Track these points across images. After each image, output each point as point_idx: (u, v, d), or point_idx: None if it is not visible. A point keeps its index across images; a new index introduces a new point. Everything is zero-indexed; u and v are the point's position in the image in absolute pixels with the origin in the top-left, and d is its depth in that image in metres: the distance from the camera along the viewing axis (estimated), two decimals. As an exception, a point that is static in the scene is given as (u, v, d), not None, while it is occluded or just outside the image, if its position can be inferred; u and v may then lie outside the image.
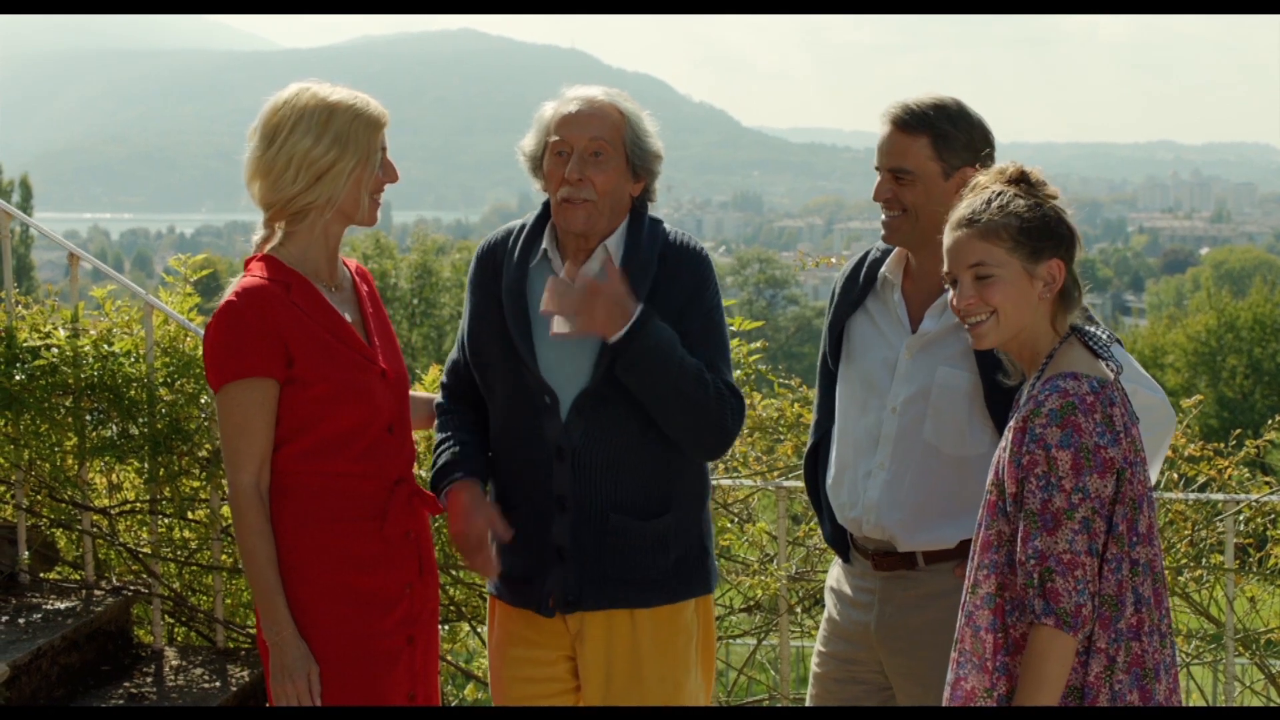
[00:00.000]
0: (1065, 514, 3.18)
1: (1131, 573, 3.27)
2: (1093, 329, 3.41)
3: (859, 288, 4.20)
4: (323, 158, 3.71)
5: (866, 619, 4.15)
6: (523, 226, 4.15)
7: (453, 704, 6.33)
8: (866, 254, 4.26)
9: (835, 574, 4.35)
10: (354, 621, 3.73)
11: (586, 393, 3.93)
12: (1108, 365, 3.35)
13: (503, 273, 4.09)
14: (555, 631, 4.08)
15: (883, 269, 4.14)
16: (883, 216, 4.00)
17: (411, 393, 4.09)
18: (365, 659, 3.75)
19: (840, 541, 4.24)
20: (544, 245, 4.06)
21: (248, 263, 3.86)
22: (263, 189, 3.76)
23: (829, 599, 4.35)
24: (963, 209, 3.42)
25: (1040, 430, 3.21)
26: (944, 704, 3.48)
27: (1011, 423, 3.38)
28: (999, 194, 3.39)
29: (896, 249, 4.12)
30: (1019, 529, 3.24)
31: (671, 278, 4.01)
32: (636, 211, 4.06)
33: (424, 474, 4.76)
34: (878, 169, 4.00)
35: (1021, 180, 3.42)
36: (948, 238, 3.44)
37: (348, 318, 3.85)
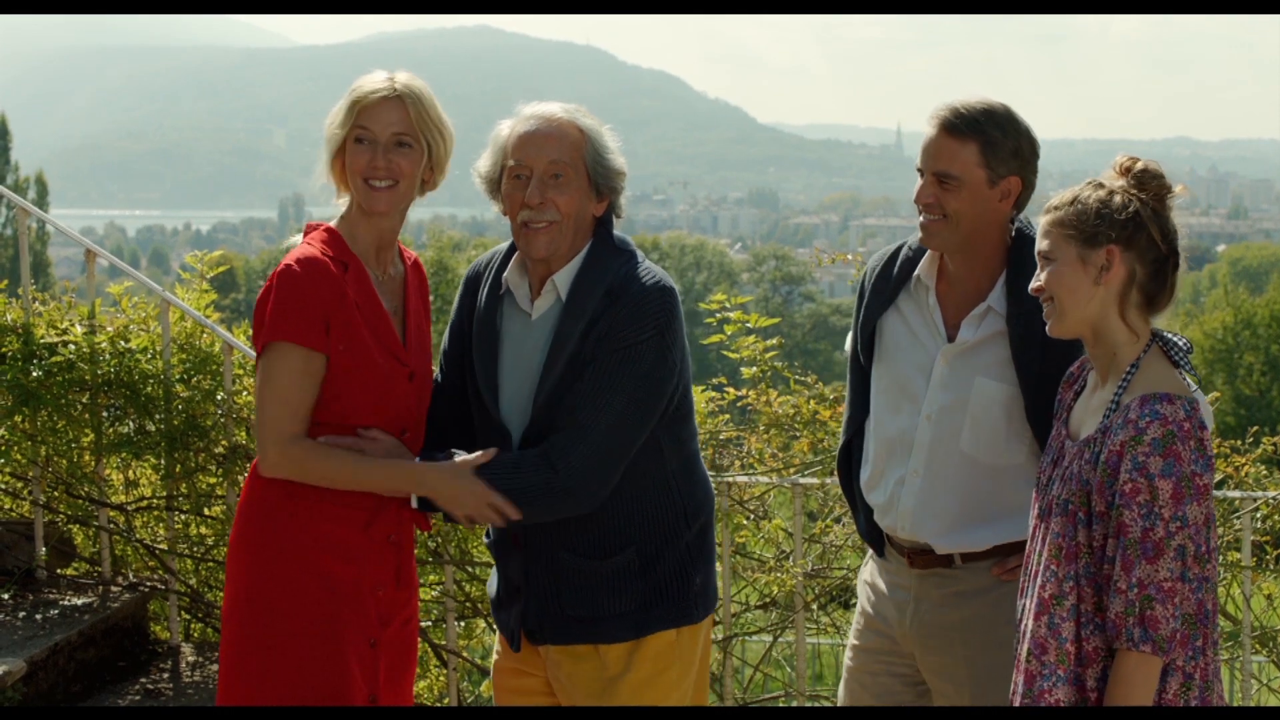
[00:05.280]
0: (1165, 543, 3.20)
1: (1205, 591, 3.31)
2: (1172, 335, 3.42)
3: (891, 285, 4.14)
4: (328, 126, 3.82)
5: (902, 615, 4.15)
6: (500, 253, 4.05)
7: (468, 700, 6.34)
8: (899, 250, 4.19)
9: (870, 568, 4.34)
10: (324, 605, 3.74)
11: (527, 432, 3.83)
12: (1185, 375, 3.36)
13: (476, 299, 4.02)
14: (532, 657, 4.02)
15: (918, 270, 4.08)
16: (921, 219, 3.93)
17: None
18: (330, 644, 3.74)
19: (875, 536, 4.23)
20: (505, 276, 3.94)
21: (309, 228, 3.88)
22: None
23: (863, 592, 4.34)
24: (1054, 197, 3.48)
25: (1143, 459, 3.21)
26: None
27: (1091, 431, 3.39)
28: (1087, 184, 3.44)
29: (930, 251, 4.07)
30: (1117, 557, 3.25)
31: (610, 313, 3.74)
32: (602, 238, 3.87)
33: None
34: (920, 170, 3.93)
35: (1127, 171, 3.44)
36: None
37: (391, 308, 3.89)
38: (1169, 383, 3.31)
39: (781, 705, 6.40)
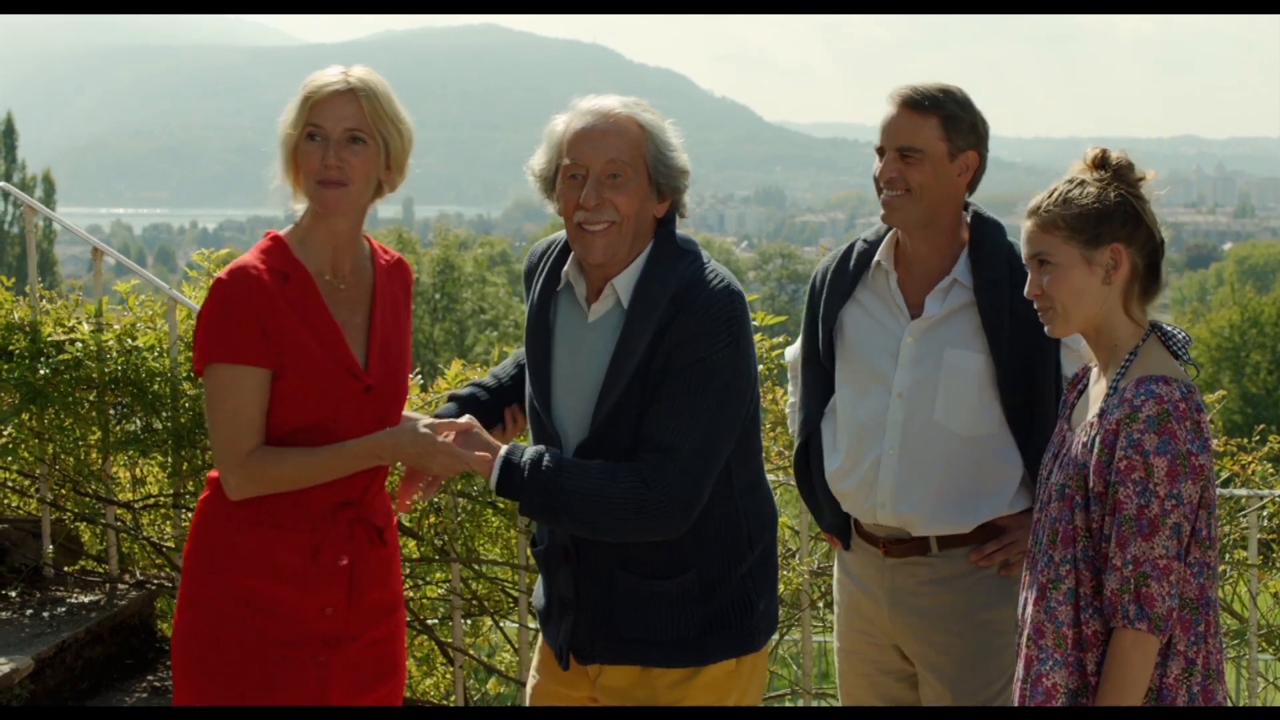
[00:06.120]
0: (1160, 520, 3.20)
1: (1207, 577, 3.30)
2: (1170, 327, 3.42)
3: (848, 280, 4.20)
4: (282, 128, 3.58)
5: (878, 608, 4.17)
6: (558, 244, 3.80)
7: (475, 698, 6.35)
8: (851, 247, 4.27)
9: (839, 567, 4.38)
10: (255, 625, 3.52)
11: (584, 445, 3.59)
12: (1185, 365, 3.37)
13: (530, 293, 3.79)
14: (579, 680, 3.79)
15: (877, 256, 4.14)
16: (884, 197, 4.00)
17: (406, 414, 3.81)
18: (257, 663, 3.53)
19: (843, 529, 4.26)
20: (565, 270, 3.71)
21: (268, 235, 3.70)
22: None
23: (837, 593, 4.38)
24: (1034, 198, 3.45)
25: (1138, 436, 3.21)
26: (1016, 698, 3.49)
27: (1090, 418, 3.39)
28: (1067, 183, 3.42)
29: (887, 237, 4.13)
30: (1113, 534, 3.25)
31: (679, 321, 3.50)
32: (664, 239, 3.63)
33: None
34: (881, 149, 4.01)
35: (1101, 164, 3.44)
36: (1022, 226, 3.48)
37: (351, 318, 3.63)
38: (1166, 367, 3.32)
39: (788, 702, 6.41)
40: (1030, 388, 3.91)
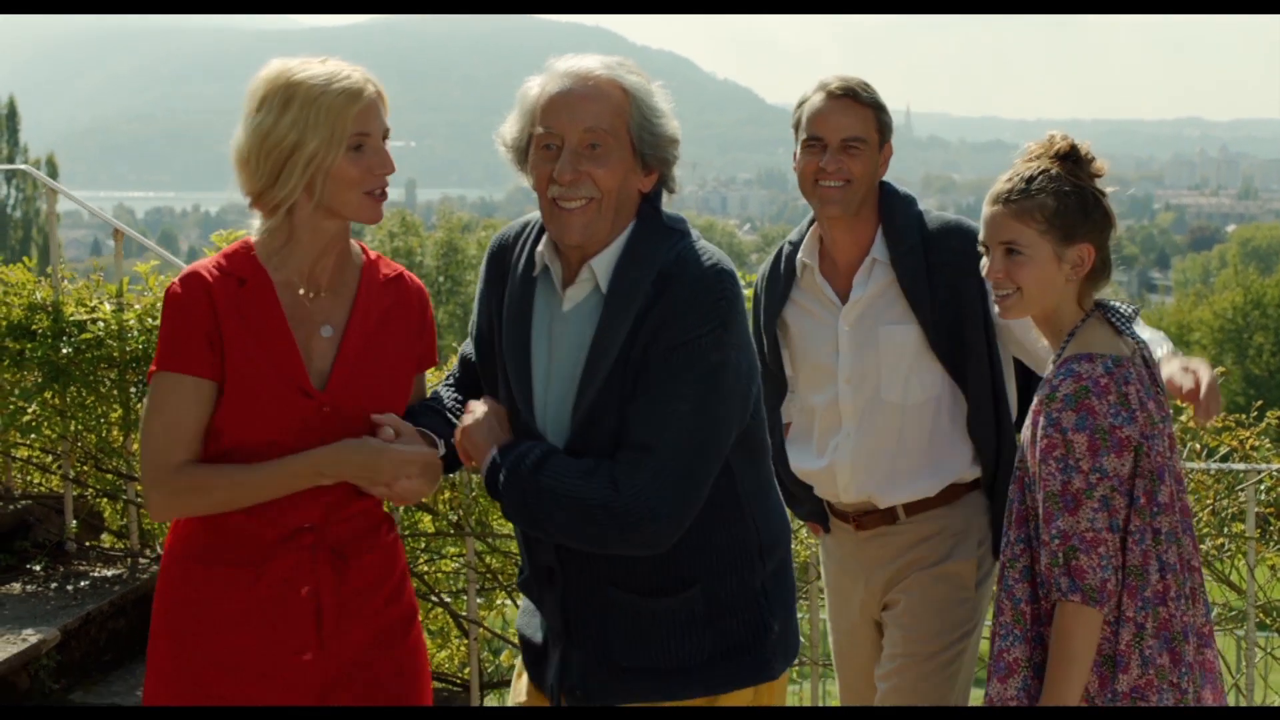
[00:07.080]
0: (1084, 494, 3.25)
1: (1155, 542, 3.33)
2: (1116, 303, 3.46)
3: (782, 282, 4.32)
4: (283, 141, 3.17)
5: (856, 584, 4.34)
6: (535, 224, 3.37)
7: (489, 670, 6.45)
8: (780, 251, 4.39)
9: (823, 552, 4.55)
10: (216, 686, 3.22)
11: (569, 448, 3.14)
12: (1128, 340, 3.41)
13: (508, 280, 3.37)
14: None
15: (799, 255, 4.27)
16: (823, 188, 4.07)
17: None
18: None
19: (819, 514, 4.42)
20: (540, 251, 3.28)
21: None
22: (242, 179, 3.29)
23: (824, 574, 4.55)
24: (1004, 183, 3.44)
25: (1056, 414, 3.27)
26: (988, 683, 3.55)
27: (1034, 403, 3.45)
28: (1041, 173, 3.40)
29: (809, 234, 4.26)
30: (1040, 511, 3.32)
31: (661, 304, 3.06)
32: (647, 216, 3.22)
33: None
34: (819, 141, 4.06)
35: (1069, 156, 3.43)
36: (986, 209, 3.46)
37: (318, 331, 3.27)
38: (1098, 344, 3.36)
39: (794, 674, 6.50)
40: (964, 343, 4.05)
